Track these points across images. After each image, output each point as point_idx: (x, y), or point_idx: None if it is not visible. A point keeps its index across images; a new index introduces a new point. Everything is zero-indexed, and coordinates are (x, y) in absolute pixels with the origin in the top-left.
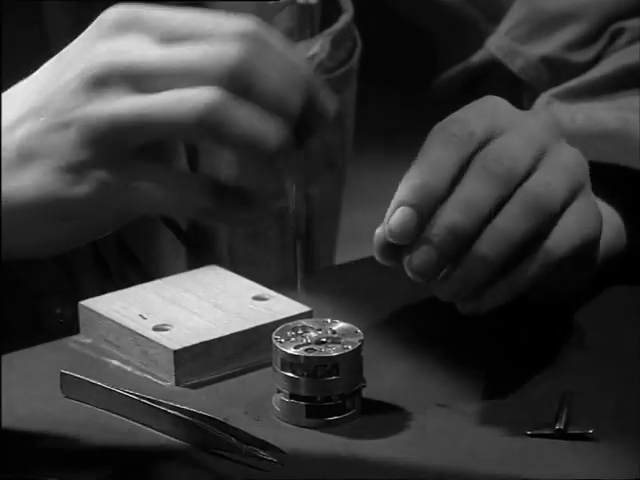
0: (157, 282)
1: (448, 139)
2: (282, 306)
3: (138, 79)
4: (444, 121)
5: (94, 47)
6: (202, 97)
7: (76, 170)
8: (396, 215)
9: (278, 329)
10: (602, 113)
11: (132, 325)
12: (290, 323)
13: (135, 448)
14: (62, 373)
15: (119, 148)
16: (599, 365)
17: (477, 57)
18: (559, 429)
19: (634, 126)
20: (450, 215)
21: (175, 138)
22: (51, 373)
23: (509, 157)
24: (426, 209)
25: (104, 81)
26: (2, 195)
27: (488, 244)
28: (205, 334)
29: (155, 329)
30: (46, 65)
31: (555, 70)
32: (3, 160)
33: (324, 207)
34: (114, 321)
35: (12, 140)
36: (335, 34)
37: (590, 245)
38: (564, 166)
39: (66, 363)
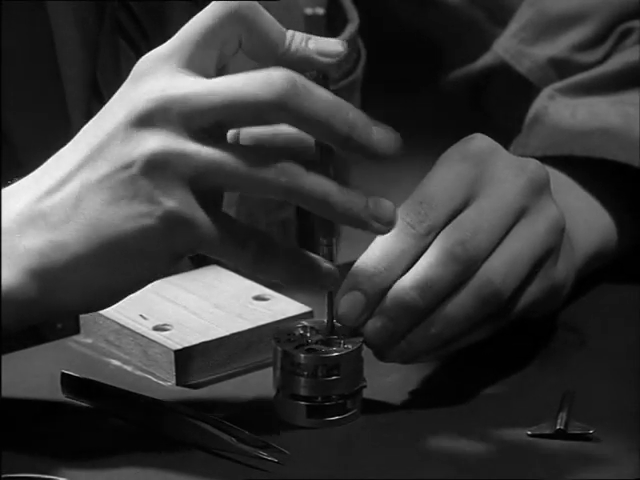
0: (157, 282)
1: (407, 230)
2: (282, 306)
3: (185, 109)
4: (410, 200)
5: (135, 90)
6: (279, 74)
7: (143, 204)
8: (346, 299)
9: (280, 328)
10: (604, 107)
11: (132, 325)
12: (291, 322)
13: (135, 448)
14: (62, 373)
15: (185, 172)
16: (599, 365)
17: (484, 60)
18: (559, 429)
19: (634, 121)
20: (407, 294)
21: (254, 119)
22: (51, 373)
23: (472, 238)
24: (377, 296)
25: (152, 116)
26: (57, 245)
27: (439, 326)
28: (205, 334)
29: (155, 329)
30: (86, 125)
31: (563, 71)
32: (52, 216)
33: None
34: (114, 321)
35: (68, 192)
36: None
37: (552, 301)
38: (536, 235)
39: (66, 363)
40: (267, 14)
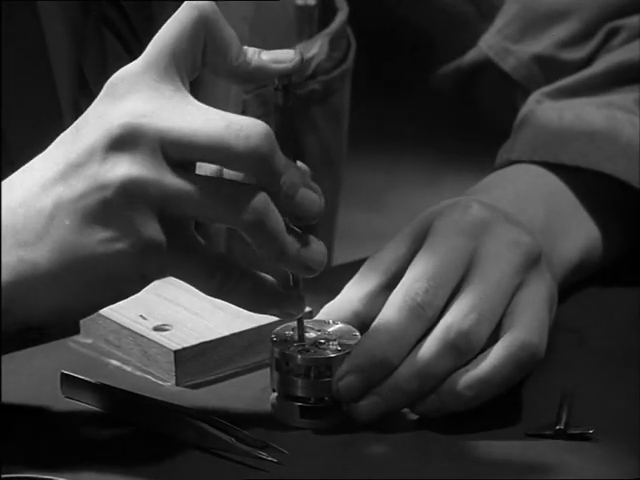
0: (157, 282)
1: (417, 311)
2: None
3: (162, 140)
4: (418, 276)
5: (115, 109)
6: (259, 129)
7: (116, 229)
8: (348, 381)
9: (277, 329)
10: (591, 112)
11: (132, 325)
12: (290, 323)
13: (135, 448)
14: (62, 373)
15: (157, 199)
16: (599, 365)
17: (470, 56)
18: (559, 429)
19: (622, 125)
20: (407, 382)
21: (226, 165)
22: (51, 373)
23: (476, 328)
24: (379, 379)
25: (130, 140)
26: (28, 263)
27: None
28: (205, 334)
29: (155, 329)
30: (61, 137)
31: (547, 68)
32: (23, 233)
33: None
34: (114, 321)
35: (40, 208)
36: (333, 34)
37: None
38: (541, 298)
39: (66, 363)
40: (224, 20)
